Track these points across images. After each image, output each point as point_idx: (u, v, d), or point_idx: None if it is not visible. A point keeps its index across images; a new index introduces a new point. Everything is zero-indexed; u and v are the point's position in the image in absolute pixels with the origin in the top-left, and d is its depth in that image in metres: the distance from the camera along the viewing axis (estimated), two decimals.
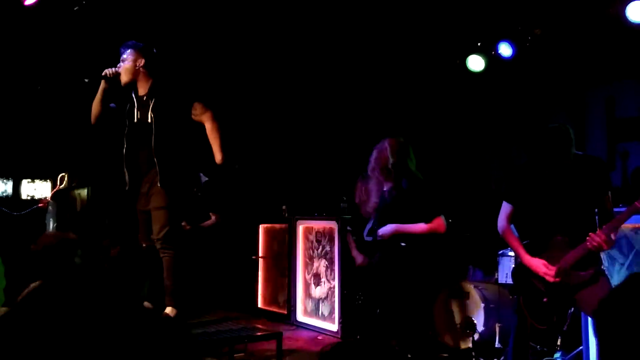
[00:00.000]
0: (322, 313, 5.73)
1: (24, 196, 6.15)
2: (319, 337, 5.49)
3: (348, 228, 4.94)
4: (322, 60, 6.55)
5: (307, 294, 5.97)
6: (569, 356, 4.10)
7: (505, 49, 5.77)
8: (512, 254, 4.31)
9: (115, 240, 5.27)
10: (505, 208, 3.29)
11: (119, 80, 3.90)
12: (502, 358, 4.28)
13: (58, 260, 2.52)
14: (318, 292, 5.81)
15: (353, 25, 5.94)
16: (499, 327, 4.43)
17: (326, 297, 5.70)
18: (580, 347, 3.94)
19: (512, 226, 3.31)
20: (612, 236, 2.94)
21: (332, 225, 5.63)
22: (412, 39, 6.11)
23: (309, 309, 5.93)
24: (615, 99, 5.56)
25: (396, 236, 3.59)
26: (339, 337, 5.37)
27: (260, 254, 6.65)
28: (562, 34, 5.43)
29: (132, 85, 3.93)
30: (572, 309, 3.90)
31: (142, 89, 3.94)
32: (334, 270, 5.59)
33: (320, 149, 7.18)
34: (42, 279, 2.50)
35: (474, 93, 6.52)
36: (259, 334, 3.99)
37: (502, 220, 3.29)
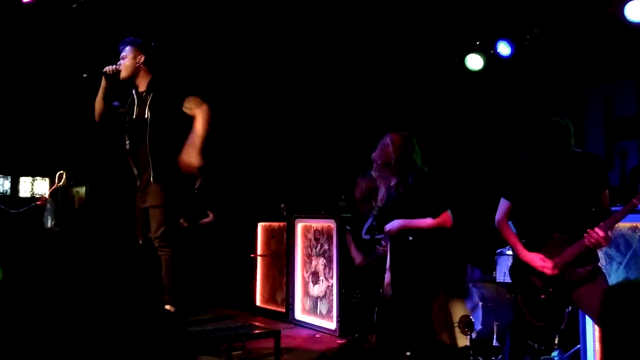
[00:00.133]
0: (320, 311, 5.74)
1: (22, 194, 6.14)
2: (317, 336, 5.50)
3: (347, 227, 4.94)
4: (321, 59, 6.55)
5: (306, 292, 5.97)
6: (567, 355, 4.11)
7: (504, 48, 5.77)
8: (510, 252, 4.31)
9: (114, 238, 5.27)
10: (503, 205, 3.30)
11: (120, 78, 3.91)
12: (500, 356, 4.29)
13: (38, 256, 2.51)
14: (316, 290, 5.81)
15: (352, 23, 5.94)
16: (497, 325, 4.44)
17: (324, 296, 5.70)
18: (578, 346, 3.95)
19: (510, 223, 3.32)
20: (609, 233, 2.94)
21: (331, 223, 5.64)
22: (411, 37, 6.11)
23: (307, 307, 5.94)
24: (614, 98, 5.57)
25: (403, 231, 3.58)
26: (337, 335, 5.37)
27: (259, 252, 6.65)
28: (560, 33, 5.44)
29: (133, 81, 3.93)
30: (570, 307, 3.91)
31: (142, 86, 3.95)
32: (332, 268, 5.59)
33: (319, 147, 7.18)
34: (33, 272, 2.49)
35: (472, 92, 6.52)
36: (257, 332, 3.99)
37: (500, 217, 3.30)
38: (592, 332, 3.80)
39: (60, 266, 2.52)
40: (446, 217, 3.52)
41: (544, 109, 5.87)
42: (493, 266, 4.74)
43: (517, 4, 5.44)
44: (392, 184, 3.65)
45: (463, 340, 4.61)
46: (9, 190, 6.08)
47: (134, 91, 3.96)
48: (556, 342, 4.13)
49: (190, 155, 3.74)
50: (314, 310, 5.83)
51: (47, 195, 6.00)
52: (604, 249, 3.80)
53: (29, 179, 6.16)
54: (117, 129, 4.03)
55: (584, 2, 5.12)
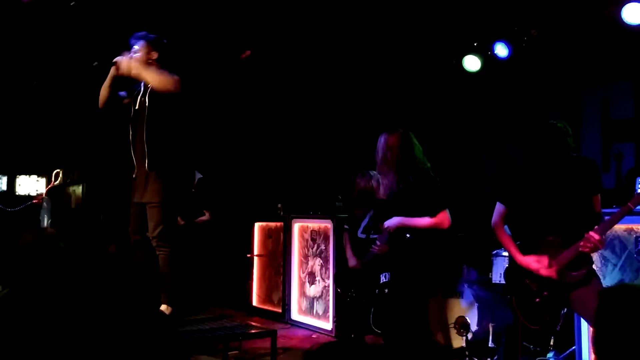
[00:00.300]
0: (316, 311, 5.74)
1: (18, 192, 6.14)
2: (314, 336, 5.50)
3: (345, 227, 4.95)
4: (319, 59, 6.55)
5: (302, 292, 5.98)
6: (562, 356, 4.12)
7: (501, 50, 5.78)
8: (506, 254, 4.32)
9: (110, 237, 5.27)
10: (499, 208, 3.32)
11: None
12: (496, 357, 4.30)
13: (36, 260, 2.51)
14: (313, 290, 5.82)
15: (349, 25, 5.94)
16: (493, 326, 4.45)
17: (321, 296, 5.71)
18: (573, 347, 3.96)
19: (505, 227, 3.33)
20: (604, 236, 2.96)
21: (328, 224, 5.64)
22: (409, 39, 6.12)
23: (303, 308, 5.94)
24: (610, 100, 5.58)
25: (401, 228, 3.59)
26: (334, 335, 5.38)
27: (255, 252, 6.65)
28: (558, 35, 5.45)
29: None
30: (565, 309, 3.92)
31: None
32: (328, 269, 5.60)
33: (316, 147, 7.18)
34: (21, 279, 2.49)
35: (470, 93, 6.53)
36: (253, 331, 3.99)
37: (495, 221, 3.31)
38: (587, 334, 3.81)
39: (55, 270, 2.52)
40: (444, 217, 3.51)
41: (541, 111, 5.88)
42: (489, 267, 4.76)
43: (515, 6, 5.45)
44: (393, 182, 3.64)
45: (459, 341, 4.62)
46: (5, 189, 6.08)
47: (142, 84, 3.97)
48: (552, 343, 4.14)
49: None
50: (310, 310, 5.83)
51: (43, 194, 6.00)
52: (599, 250, 3.82)
53: (26, 177, 6.16)
54: (118, 121, 4.03)
55: (582, 4, 5.14)
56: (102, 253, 5.15)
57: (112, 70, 3.84)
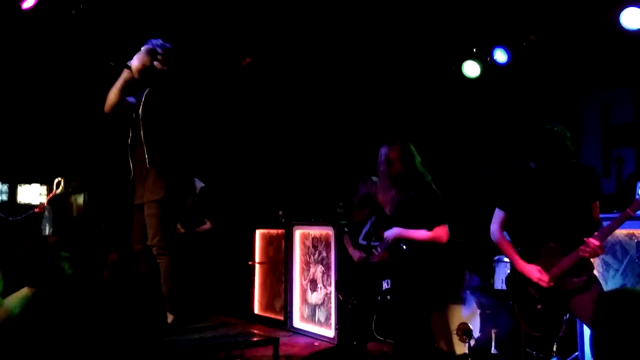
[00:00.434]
0: (318, 319, 5.73)
1: (20, 201, 6.14)
2: (316, 344, 5.49)
3: (345, 229, 4.95)
4: (319, 66, 6.57)
5: (304, 299, 5.97)
6: None
7: (500, 55, 5.80)
8: (508, 260, 4.32)
9: (112, 246, 5.26)
10: (498, 214, 3.32)
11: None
12: None
13: (37, 265, 2.52)
14: (314, 298, 5.81)
15: (349, 32, 5.96)
16: (495, 333, 4.44)
17: (322, 303, 5.70)
18: (576, 353, 3.95)
19: (504, 233, 3.34)
20: (604, 242, 2.97)
21: (329, 230, 5.64)
22: (408, 45, 6.13)
23: (305, 315, 5.93)
24: (610, 105, 5.59)
25: (399, 239, 3.61)
26: (335, 343, 5.36)
27: (257, 260, 6.64)
28: (557, 40, 5.47)
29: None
30: (568, 315, 3.91)
31: None
32: (330, 276, 5.59)
33: (317, 154, 7.19)
34: (29, 282, 2.50)
35: (469, 99, 6.54)
36: (255, 339, 3.98)
37: (495, 227, 3.32)
38: (589, 340, 3.80)
39: (55, 278, 2.52)
40: (442, 232, 3.52)
41: (541, 116, 5.89)
42: (491, 273, 4.75)
43: (514, 11, 5.47)
44: (395, 194, 3.66)
45: (461, 348, 4.61)
46: (6, 198, 6.08)
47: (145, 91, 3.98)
48: (554, 349, 4.13)
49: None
50: (312, 317, 5.82)
51: (45, 203, 5.99)
52: (600, 255, 3.82)
53: (27, 186, 6.16)
54: (121, 127, 4.03)
55: (581, 9, 5.15)
56: (103, 262, 5.15)
57: (126, 74, 3.84)
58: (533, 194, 3.17)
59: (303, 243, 6.03)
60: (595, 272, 3.26)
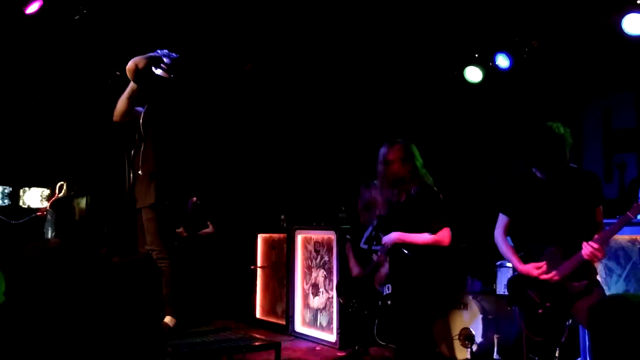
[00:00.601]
0: (320, 323, 5.73)
1: (22, 205, 6.15)
2: (317, 348, 5.48)
3: (347, 237, 4.95)
4: (321, 71, 6.59)
5: (306, 304, 5.96)
6: None
7: (502, 61, 5.82)
8: (510, 265, 4.32)
9: (114, 249, 5.27)
10: (502, 220, 3.33)
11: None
12: None
13: (48, 266, 2.54)
14: (316, 302, 5.81)
15: (352, 37, 5.98)
16: (498, 338, 4.43)
17: (324, 308, 5.70)
18: (579, 359, 3.94)
19: (508, 238, 3.34)
20: (605, 246, 2.98)
21: (331, 235, 5.64)
22: (411, 50, 6.15)
23: (307, 320, 5.93)
24: (612, 110, 5.60)
25: (400, 244, 3.52)
26: (337, 347, 5.36)
27: (259, 264, 6.64)
28: (559, 45, 5.49)
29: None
30: (570, 320, 3.91)
31: None
32: (332, 280, 5.59)
33: (319, 159, 7.20)
34: (33, 285, 2.52)
35: (471, 104, 6.55)
36: (257, 344, 3.97)
37: (498, 232, 3.33)
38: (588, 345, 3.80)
39: (58, 280, 2.54)
40: (444, 235, 3.43)
41: (543, 121, 5.89)
42: (493, 278, 4.75)
43: (516, 17, 5.49)
44: (392, 195, 3.58)
45: (463, 353, 4.60)
46: (9, 201, 6.09)
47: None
48: (557, 355, 4.12)
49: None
50: (314, 322, 5.82)
51: (47, 206, 6.01)
52: (603, 261, 3.82)
53: (30, 189, 6.18)
54: (126, 133, 4.05)
55: (582, 15, 5.17)
56: (104, 265, 5.15)
57: (133, 84, 3.86)
58: (536, 200, 3.18)
59: (305, 247, 6.04)
60: (598, 277, 3.26)
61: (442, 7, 5.50)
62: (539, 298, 3.12)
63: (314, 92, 6.95)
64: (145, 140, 3.89)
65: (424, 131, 6.55)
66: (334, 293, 5.53)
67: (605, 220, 3.19)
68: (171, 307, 3.90)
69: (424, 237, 3.44)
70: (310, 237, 5.97)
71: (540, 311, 3.12)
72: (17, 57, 5.64)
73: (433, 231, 3.42)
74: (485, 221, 3.88)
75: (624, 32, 4.86)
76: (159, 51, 3.96)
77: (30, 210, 6.06)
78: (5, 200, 6.02)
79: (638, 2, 4.72)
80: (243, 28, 5.88)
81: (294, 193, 7.10)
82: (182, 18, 5.58)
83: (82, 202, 6.20)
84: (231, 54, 6.28)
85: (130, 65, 3.78)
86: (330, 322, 5.58)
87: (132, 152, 3.99)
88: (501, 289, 4.56)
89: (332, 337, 5.50)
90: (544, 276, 3.07)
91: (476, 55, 6.02)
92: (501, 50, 5.80)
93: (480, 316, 4.56)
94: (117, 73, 3.87)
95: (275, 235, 6.45)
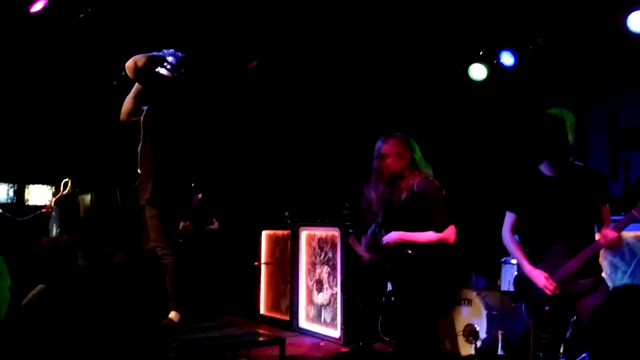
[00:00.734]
0: (324, 319, 5.74)
1: (27, 202, 6.18)
2: (321, 344, 5.49)
3: (350, 231, 4.95)
4: (325, 68, 6.59)
5: (310, 300, 5.98)
6: None
7: (507, 58, 5.80)
8: (514, 261, 4.33)
9: (118, 246, 5.29)
10: (509, 218, 3.32)
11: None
12: None
13: (58, 264, 2.55)
14: (320, 298, 5.82)
15: (356, 34, 5.98)
16: (502, 334, 4.44)
17: (328, 304, 5.71)
18: (583, 355, 3.94)
19: (515, 236, 3.33)
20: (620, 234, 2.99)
21: (335, 232, 5.65)
22: (415, 47, 6.15)
23: (311, 316, 5.94)
24: (617, 108, 5.59)
25: (402, 244, 3.33)
26: (341, 343, 5.37)
27: (263, 260, 6.66)
28: (564, 43, 5.47)
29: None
30: (575, 317, 3.92)
31: None
32: (336, 276, 5.60)
33: (323, 156, 7.21)
34: (43, 282, 2.54)
35: (476, 102, 6.55)
36: (262, 339, 4.00)
37: (506, 230, 3.32)
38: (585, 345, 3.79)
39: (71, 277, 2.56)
40: (450, 233, 3.26)
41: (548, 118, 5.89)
42: (498, 275, 4.76)
43: (521, 15, 5.48)
44: (394, 191, 3.39)
45: (467, 349, 4.61)
46: (14, 198, 6.11)
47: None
48: (561, 351, 4.12)
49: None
50: (318, 318, 5.83)
51: (52, 203, 6.03)
52: (608, 257, 3.83)
53: (35, 186, 6.20)
54: (132, 133, 4.07)
55: (588, 12, 5.16)
56: (109, 261, 5.17)
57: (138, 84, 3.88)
58: (542, 197, 3.18)
59: (309, 244, 6.05)
60: (603, 274, 3.27)
61: (446, 4, 5.49)
62: (545, 295, 3.13)
63: (318, 89, 6.95)
64: (145, 138, 3.91)
65: (429, 129, 6.54)
66: (337, 289, 5.54)
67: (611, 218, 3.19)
68: (176, 302, 3.92)
69: (428, 236, 3.26)
70: (314, 234, 5.98)
71: (547, 308, 3.12)
72: (22, 56, 5.65)
73: (438, 229, 3.26)
74: (489, 218, 3.88)
75: (629, 30, 4.85)
76: (165, 51, 3.97)
77: (35, 207, 6.08)
78: (11, 197, 6.04)
79: None
80: (248, 24, 5.89)
81: (298, 190, 7.11)
82: (186, 16, 5.59)
83: (87, 199, 6.21)
84: (235, 51, 6.29)
85: (129, 63, 3.78)
86: (334, 318, 5.59)
87: (138, 150, 4.01)
88: (505, 285, 4.57)
89: (336, 333, 5.52)
90: (549, 292, 3.05)
91: (481, 53, 6.01)
92: (506, 48, 5.79)
93: (485, 312, 4.57)
94: (123, 73, 3.89)
95: (280, 232, 6.47)
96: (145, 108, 4.01)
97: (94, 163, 6.26)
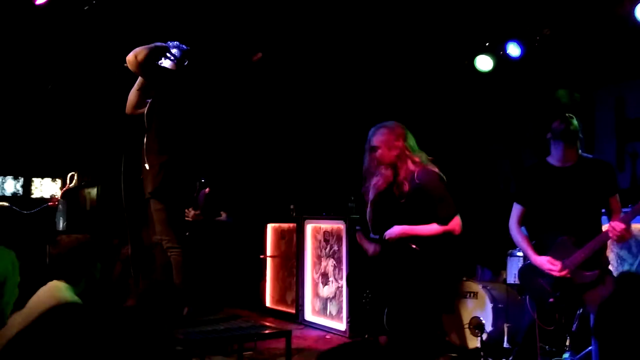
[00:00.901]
0: (330, 312, 5.75)
1: (34, 195, 6.20)
2: (327, 337, 5.51)
3: (357, 227, 4.94)
4: (331, 61, 6.56)
5: (315, 293, 5.99)
6: (578, 356, 4.09)
7: (513, 49, 5.76)
8: (520, 254, 4.32)
9: (125, 239, 5.31)
10: (516, 209, 3.32)
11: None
12: (511, 358, 4.28)
13: (80, 263, 2.58)
14: (326, 291, 5.83)
15: (361, 25, 5.95)
16: (508, 327, 4.43)
17: (334, 297, 5.72)
18: (590, 348, 3.93)
19: (523, 228, 3.32)
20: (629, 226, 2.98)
21: (340, 225, 5.65)
22: (421, 39, 6.11)
23: (317, 308, 5.95)
24: (625, 99, 5.55)
25: (405, 239, 3.20)
26: (347, 336, 5.39)
27: (269, 253, 6.67)
28: (570, 33, 5.43)
29: None
30: (581, 309, 3.91)
31: None
32: (341, 269, 5.61)
33: (328, 148, 7.19)
34: (63, 280, 2.56)
35: (482, 93, 6.51)
36: (268, 332, 4.00)
37: (513, 222, 3.32)
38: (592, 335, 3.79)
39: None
40: (455, 224, 3.14)
41: (554, 110, 5.85)
42: (503, 267, 4.74)
43: (527, 5, 5.43)
44: (393, 185, 3.25)
45: (473, 342, 4.61)
46: (21, 191, 6.14)
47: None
48: (567, 343, 4.12)
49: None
50: (323, 311, 5.84)
51: (59, 197, 6.05)
52: (615, 250, 3.81)
53: (41, 180, 6.23)
54: (137, 126, 4.06)
55: (594, 3, 5.11)
56: (116, 255, 5.20)
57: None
58: (550, 189, 3.17)
59: (314, 237, 6.05)
60: (610, 266, 3.26)
61: None
62: (550, 287, 3.12)
63: (324, 82, 6.93)
64: (149, 131, 3.90)
65: (435, 121, 6.53)
66: (343, 282, 5.54)
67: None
68: (182, 295, 3.93)
69: (432, 228, 3.13)
70: (320, 227, 5.98)
71: (551, 300, 3.11)
72: (28, 49, 5.66)
73: (442, 221, 3.13)
74: (495, 210, 3.86)
75: (637, 20, 4.80)
76: (169, 43, 3.96)
77: (41, 200, 6.11)
78: (18, 190, 6.07)
79: None
80: (254, 15, 5.87)
81: (303, 183, 7.11)
82: (192, 8, 5.58)
83: (93, 192, 6.23)
84: (240, 43, 6.27)
85: (130, 56, 3.75)
86: (339, 311, 5.60)
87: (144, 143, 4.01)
88: (511, 278, 4.56)
89: (341, 325, 5.53)
90: (557, 274, 3.05)
91: (487, 44, 5.97)
92: (512, 39, 5.75)
93: (490, 305, 4.56)
94: (125, 65, 3.88)
95: (285, 225, 6.48)
96: (149, 101, 4.00)
97: (100, 156, 6.27)
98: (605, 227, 3.04)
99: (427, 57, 6.37)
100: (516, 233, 3.30)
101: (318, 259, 5.97)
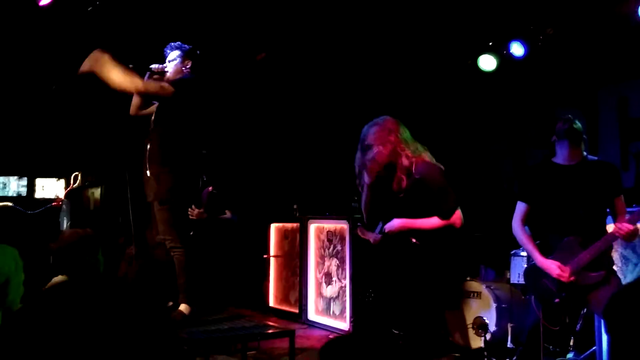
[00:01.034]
0: (333, 312, 5.75)
1: (38, 195, 6.21)
2: (330, 336, 5.50)
3: (358, 224, 4.95)
4: (333, 60, 6.56)
5: (319, 293, 5.99)
6: (582, 356, 4.09)
7: (517, 49, 5.75)
8: (524, 254, 4.31)
9: (130, 239, 5.32)
10: (520, 208, 3.31)
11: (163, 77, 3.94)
12: (515, 358, 4.28)
13: (82, 257, 2.58)
14: (329, 291, 5.83)
15: (364, 24, 5.95)
16: (511, 327, 4.43)
17: (337, 296, 5.72)
18: (594, 348, 3.93)
19: (526, 227, 3.32)
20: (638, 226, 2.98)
21: (344, 225, 5.65)
22: (424, 38, 6.11)
23: (320, 308, 5.95)
24: (629, 98, 5.54)
25: (406, 233, 3.16)
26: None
27: (272, 253, 6.68)
28: (574, 33, 5.42)
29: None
30: (585, 309, 3.90)
31: None
32: (345, 269, 5.61)
33: (331, 148, 7.19)
34: (65, 274, 2.56)
35: (485, 93, 6.51)
36: (271, 331, 4.01)
37: (516, 221, 3.31)
38: (606, 333, 3.78)
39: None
40: (457, 217, 3.10)
41: (558, 109, 5.85)
42: (507, 267, 4.74)
43: (531, 5, 5.43)
44: (398, 181, 3.17)
45: (477, 342, 4.61)
46: (25, 192, 6.15)
47: None
48: (571, 343, 4.11)
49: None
50: (327, 310, 5.85)
51: (62, 197, 6.06)
52: (619, 250, 3.81)
53: (45, 180, 6.24)
54: (141, 128, 4.08)
55: (597, 2, 5.11)
56: (120, 255, 5.21)
57: (147, 77, 3.88)
58: (555, 188, 3.17)
59: (318, 237, 6.05)
60: (614, 267, 3.25)
61: None
62: (555, 287, 3.12)
63: (327, 82, 6.93)
64: (153, 140, 3.91)
65: (439, 120, 6.52)
66: (346, 282, 5.55)
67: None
68: (186, 295, 3.93)
69: (433, 222, 3.08)
70: (323, 227, 5.98)
71: (556, 300, 3.11)
72: (31, 49, 5.67)
73: (444, 214, 3.08)
74: (499, 210, 3.86)
75: (639, 20, 4.79)
76: (172, 44, 3.98)
77: (45, 200, 6.12)
78: (22, 190, 6.08)
79: None
80: (255, 18, 5.87)
81: (306, 183, 7.11)
82: (195, 10, 5.59)
83: (97, 192, 6.24)
84: (243, 44, 6.28)
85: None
86: (343, 311, 5.61)
87: (148, 144, 4.02)
88: (515, 278, 4.55)
89: (345, 325, 5.53)
90: (565, 280, 3.04)
91: (490, 44, 5.97)
92: (516, 39, 5.74)
93: (494, 305, 4.56)
94: (130, 66, 3.89)
95: (288, 225, 6.48)
96: (155, 103, 4.01)
97: (104, 156, 6.29)
98: (610, 228, 3.04)
99: (430, 56, 6.37)
100: (520, 232, 3.29)
101: (321, 258, 5.98)
